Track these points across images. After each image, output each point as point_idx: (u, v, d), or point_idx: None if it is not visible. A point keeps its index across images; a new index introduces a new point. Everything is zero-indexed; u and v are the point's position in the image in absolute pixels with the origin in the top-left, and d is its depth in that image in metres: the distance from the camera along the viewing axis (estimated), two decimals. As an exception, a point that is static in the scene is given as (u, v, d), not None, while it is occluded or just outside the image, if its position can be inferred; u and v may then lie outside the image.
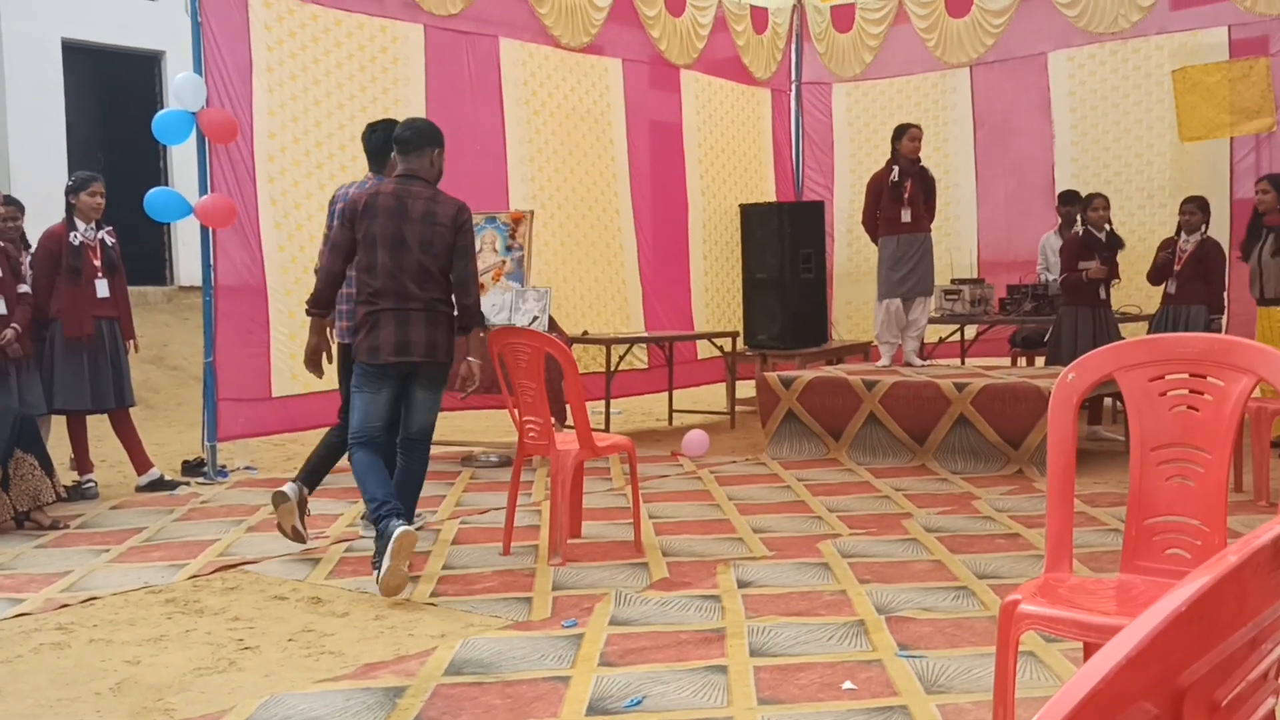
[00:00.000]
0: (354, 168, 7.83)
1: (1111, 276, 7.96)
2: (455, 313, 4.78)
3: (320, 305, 4.84)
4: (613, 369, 8.74)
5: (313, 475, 5.28)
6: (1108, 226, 8.03)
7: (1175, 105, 9.17)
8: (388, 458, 4.77)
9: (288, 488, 5.11)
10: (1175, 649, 0.79)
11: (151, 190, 7.20)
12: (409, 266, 4.64)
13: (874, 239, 8.46)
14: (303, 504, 5.16)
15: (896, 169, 8.15)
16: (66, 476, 6.48)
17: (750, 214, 10.17)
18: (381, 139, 5.31)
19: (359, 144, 7.99)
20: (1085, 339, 7.84)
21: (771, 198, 11.02)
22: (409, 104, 8.08)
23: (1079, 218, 8.15)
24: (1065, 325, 8.02)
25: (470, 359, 4.83)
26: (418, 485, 4.85)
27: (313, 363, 4.89)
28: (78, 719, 3.24)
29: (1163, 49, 9.41)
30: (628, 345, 8.97)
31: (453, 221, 4.69)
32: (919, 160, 8.22)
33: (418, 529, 4.91)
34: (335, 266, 4.78)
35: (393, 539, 4.27)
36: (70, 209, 6.71)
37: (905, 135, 8.17)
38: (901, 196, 8.10)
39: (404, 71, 8.11)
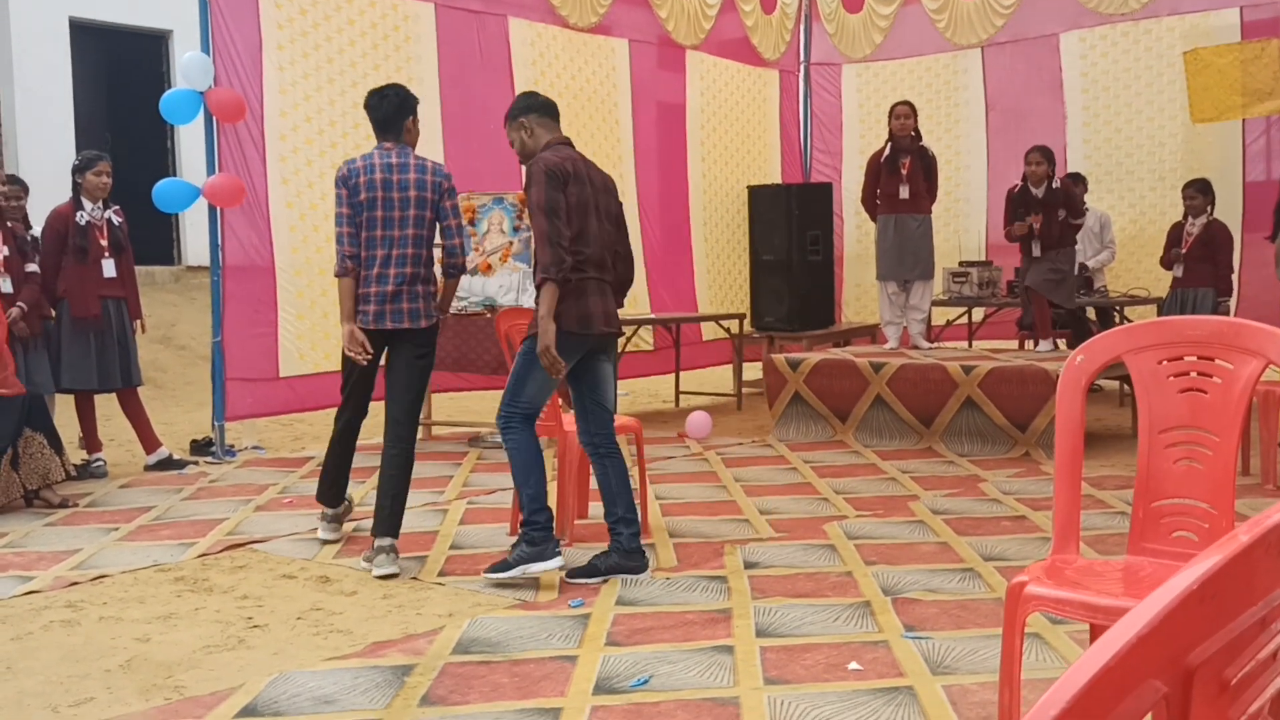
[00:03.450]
0: (367, 147, 7.80)
1: (1057, 224, 7.78)
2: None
3: (567, 270, 4.25)
4: (619, 350, 8.74)
5: (337, 488, 5.02)
6: (1055, 183, 7.86)
7: (1187, 87, 9.12)
8: None
9: (323, 529, 5.04)
10: (1186, 627, 0.79)
11: (159, 182, 7.18)
12: (607, 240, 4.43)
13: (873, 218, 8.42)
14: (346, 513, 5.13)
15: (890, 146, 8.10)
16: (75, 455, 6.51)
17: (758, 196, 10.16)
18: (395, 105, 4.90)
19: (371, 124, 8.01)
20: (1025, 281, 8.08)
21: (778, 179, 10.99)
22: (422, 83, 8.04)
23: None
24: (1018, 271, 8.29)
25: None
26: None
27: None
28: (88, 696, 3.26)
29: (1174, 30, 9.35)
30: (634, 327, 8.97)
31: (618, 191, 4.60)
32: (916, 137, 8.14)
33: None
34: (570, 230, 4.26)
35: (551, 568, 4.24)
36: (77, 188, 6.71)
37: (891, 114, 8.16)
38: (899, 173, 8.03)
39: (415, 50, 8.09)
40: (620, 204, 4.65)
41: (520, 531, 4.38)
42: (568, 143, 4.48)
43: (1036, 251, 7.86)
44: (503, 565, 4.27)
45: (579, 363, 4.44)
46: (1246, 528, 0.85)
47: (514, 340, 5.10)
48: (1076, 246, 8.58)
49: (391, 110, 4.90)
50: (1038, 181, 7.82)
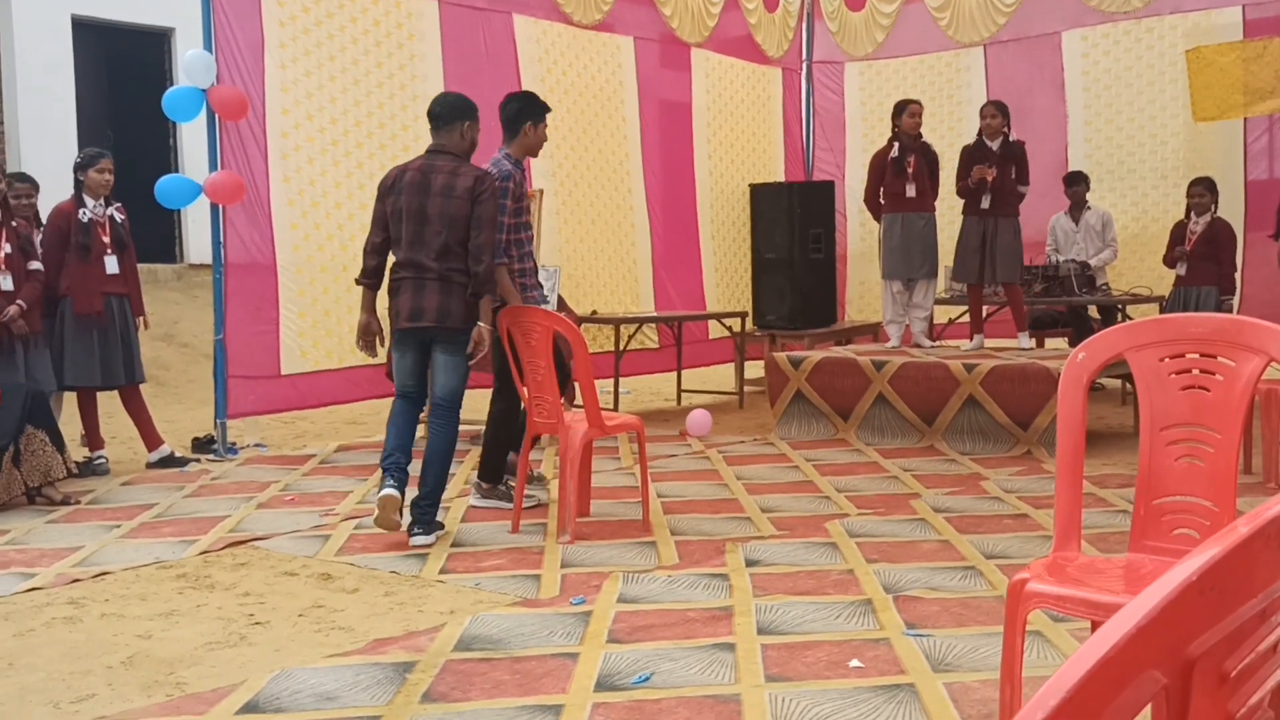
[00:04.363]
0: (370, 144, 7.84)
1: (1009, 182, 7.54)
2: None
3: (366, 275, 5.01)
4: (622, 348, 8.74)
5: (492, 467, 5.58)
6: (1010, 136, 7.62)
7: (1189, 85, 9.11)
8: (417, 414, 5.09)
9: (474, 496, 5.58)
10: (1185, 619, 0.79)
11: (161, 179, 7.19)
12: (428, 240, 4.80)
13: (876, 218, 8.38)
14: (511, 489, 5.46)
15: (897, 145, 8.05)
16: (78, 452, 6.51)
17: (760, 194, 10.16)
18: (515, 109, 5.53)
19: (375, 121, 8.04)
20: (972, 246, 7.64)
21: (781, 177, 10.99)
22: (427, 80, 8.05)
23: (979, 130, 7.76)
24: (961, 233, 7.81)
25: (480, 324, 4.88)
26: (445, 455, 4.95)
27: (364, 342, 5.08)
28: (89, 692, 3.26)
29: (1176, 29, 9.35)
30: (636, 325, 8.97)
31: (469, 193, 4.82)
32: (920, 136, 8.12)
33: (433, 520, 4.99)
34: (375, 238, 4.99)
35: (377, 499, 4.79)
36: (79, 186, 6.71)
37: (905, 112, 8.02)
38: (905, 172, 7.96)
39: (420, 48, 8.08)
40: (464, 200, 4.80)
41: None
42: (434, 150, 4.97)
43: (986, 204, 7.57)
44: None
45: (423, 351, 4.97)
46: (1246, 520, 0.85)
47: (515, 338, 5.11)
48: (1080, 241, 8.54)
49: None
50: (993, 135, 7.61)
